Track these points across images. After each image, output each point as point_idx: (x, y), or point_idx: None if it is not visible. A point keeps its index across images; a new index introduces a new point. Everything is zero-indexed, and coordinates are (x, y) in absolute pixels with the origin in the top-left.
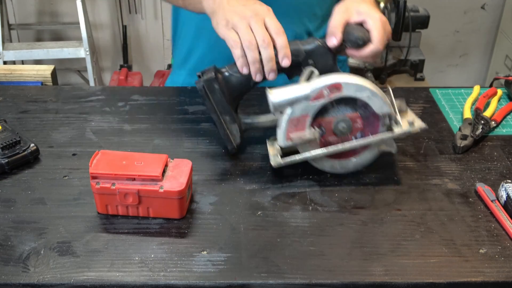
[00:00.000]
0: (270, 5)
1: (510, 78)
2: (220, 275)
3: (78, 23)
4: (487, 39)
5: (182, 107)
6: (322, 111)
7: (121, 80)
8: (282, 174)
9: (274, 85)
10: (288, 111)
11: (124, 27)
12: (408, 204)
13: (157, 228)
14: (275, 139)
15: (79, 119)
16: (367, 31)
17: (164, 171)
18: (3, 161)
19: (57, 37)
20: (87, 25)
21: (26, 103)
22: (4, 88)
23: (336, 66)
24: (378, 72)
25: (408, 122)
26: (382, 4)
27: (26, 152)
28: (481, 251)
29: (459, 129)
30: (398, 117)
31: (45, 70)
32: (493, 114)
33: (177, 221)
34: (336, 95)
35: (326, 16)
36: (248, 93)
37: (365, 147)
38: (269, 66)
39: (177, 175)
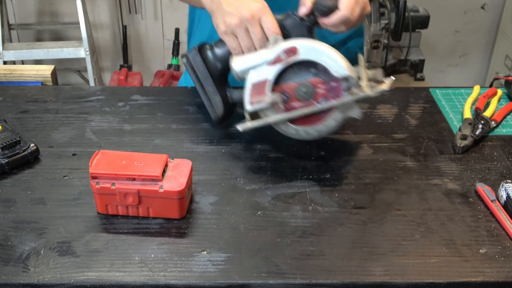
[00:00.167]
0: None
1: (510, 78)
2: (220, 275)
3: (78, 23)
4: (487, 39)
5: (182, 107)
6: (285, 77)
7: (121, 80)
8: (282, 174)
9: None
10: (249, 76)
11: (124, 27)
12: (408, 204)
13: (157, 228)
14: None
15: (79, 119)
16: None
17: (164, 171)
18: (3, 161)
19: (57, 37)
20: (87, 25)
21: (26, 103)
22: (4, 88)
23: (311, 36)
24: None
25: (370, 86)
26: None
27: (26, 152)
28: (481, 251)
29: (459, 129)
30: (361, 81)
31: (45, 70)
32: (493, 114)
33: (177, 221)
34: (293, 58)
35: None
36: None
37: (329, 113)
38: None
39: (177, 175)
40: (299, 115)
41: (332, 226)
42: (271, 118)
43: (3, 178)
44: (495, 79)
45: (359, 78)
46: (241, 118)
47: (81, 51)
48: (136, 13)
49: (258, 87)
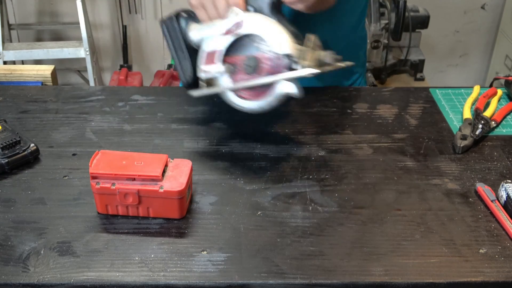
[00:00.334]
0: None
1: (510, 78)
2: (220, 275)
3: (78, 23)
4: (487, 39)
5: (182, 107)
6: (236, 49)
7: (121, 80)
8: (282, 174)
9: None
10: (203, 45)
11: (124, 27)
12: (408, 204)
13: (157, 228)
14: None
15: (79, 119)
16: None
17: (164, 171)
18: (3, 161)
19: (57, 37)
20: (87, 25)
21: (26, 103)
22: (4, 88)
23: (274, 12)
24: (378, 72)
25: (307, 65)
26: None
27: (26, 152)
28: (481, 251)
29: (459, 129)
30: (303, 60)
31: (45, 70)
32: (493, 114)
33: (177, 221)
34: (239, 31)
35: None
36: None
37: (270, 89)
38: None
39: (177, 175)
40: (241, 88)
41: (332, 226)
42: (219, 87)
43: (3, 178)
44: (495, 79)
45: (301, 57)
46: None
47: (81, 51)
48: (136, 13)
49: (210, 56)
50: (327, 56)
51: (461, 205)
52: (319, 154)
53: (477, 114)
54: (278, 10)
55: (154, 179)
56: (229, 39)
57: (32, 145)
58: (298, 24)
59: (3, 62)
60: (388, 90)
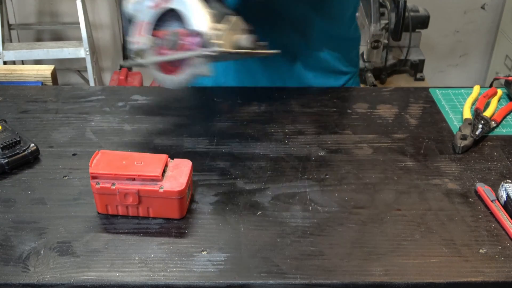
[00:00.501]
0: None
1: (510, 78)
2: (220, 275)
3: (78, 23)
4: (487, 39)
5: (182, 107)
6: (164, 23)
7: (121, 80)
8: (282, 174)
9: None
10: (135, 17)
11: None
12: (408, 204)
13: (157, 228)
14: None
15: (79, 119)
16: None
17: (164, 171)
18: (3, 161)
19: (57, 37)
20: (87, 25)
21: (26, 103)
22: (4, 88)
23: None
24: (378, 72)
25: (219, 45)
26: None
27: (26, 152)
28: (481, 251)
29: (459, 129)
30: (216, 39)
31: (45, 70)
32: (493, 114)
33: (177, 221)
34: (166, 5)
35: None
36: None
37: (184, 66)
38: None
39: (177, 175)
40: (160, 61)
41: (332, 226)
42: (143, 60)
43: (3, 178)
44: (495, 79)
45: (215, 36)
46: None
47: (81, 51)
48: None
49: (139, 28)
50: (245, 39)
51: (461, 205)
52: (319, 154)
53: (477, 114)
54: None
55: (154, 179)
56: (157, 12)
57: (32, 145)
58: (288, 20)
59: (3, 62)
60: (388, 90)
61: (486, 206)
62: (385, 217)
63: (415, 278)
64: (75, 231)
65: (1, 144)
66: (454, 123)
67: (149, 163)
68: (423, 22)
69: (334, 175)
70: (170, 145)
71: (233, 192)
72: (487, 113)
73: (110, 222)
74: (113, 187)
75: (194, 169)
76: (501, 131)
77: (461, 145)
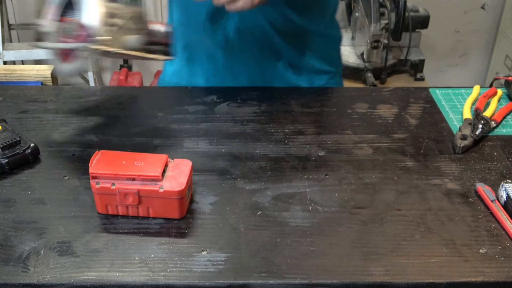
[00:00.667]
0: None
1: (510, 78)
2: (220, 275)
3: None
4: (487, 39)
5: (182, 107)
6: (72, 11)
7: (121, 80)
8: (282, 174)
9: None
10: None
11: None
12: (408, 204)
13: (157, 228)
14: None
15: (79, 119)
16: None
17: (164, 171)
18: (3, 161)
19: None
20: None
21: (26, 103)
22: (4, 88)
23: None
24: (378, 72)
25: (100, 41)
26: None
27: (26, 152)
28: (481, 251)
29: (459, 129)
30: (99, 35)
31: (45, 70)
32: (493, 114)
33: (177, 221)
34: None
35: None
36: None
37: (72, 57)
38: None
39: (177, 175)
40: (52, 48)
41: (332, 226)
42: (42, 43)
43: (3, 178)
44: (495, 79)
45: (100, 32)
46: None
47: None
48: None
49: (48, 10)
50: (135, 40)
51: (461, 205)
52: (319, 154)
53: (477, 114)
54: None
55: (154, 179)
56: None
57: (32, 145)
58: (268, 21)
59: (3, 62)
60: (388, 90)
61: (486, 206)
62: (385, 217)
63: (415, 278)
64: (75, 231)
65: (1, 144)
66: (454, 123)
67: (149, 163)
68: (423, 22)
69: (334, 175)
70: (170, 145)
71: (233, 192)
72: (487, 113)
73: (110, 222)
74: (113, 187)
75: (194, 169)
76: (501, 131)
77: (461, 145)
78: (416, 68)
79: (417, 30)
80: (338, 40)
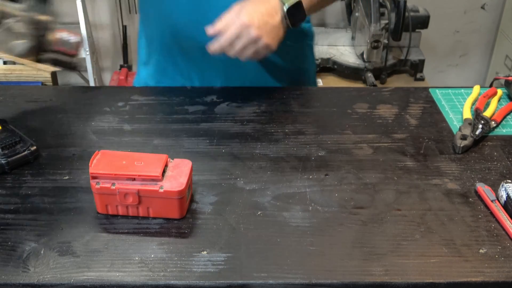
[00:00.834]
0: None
1: (510, 78)
2: (220, 275)
3: (78, 23)
4: (487, 39)
5: (182, 107)
6: None
7: (121, 80)
8: (282, 174)
9: None
10: None
11: (124, 27)
12: (408, 204)
13: (157, 228)
14: None
15: (79, 119)
16: None
17: (164, 171)
18: (3, 161)
19: None
20: (87, 25)
21: (26, 103)
22: (4, 88)
23: None
24: (378, 72)
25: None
26: (286, 6)
27: (26, 152)
28: (481, 251)
29: (459, 129)
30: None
31: (45, 70)
32: (493, 114)
33: (177, 221)
34: None
35: None
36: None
37: None
38: None
39: (177, 175)
40: None
41: (332, 226)
42: None
43: (3, 178)
44: (495, 79)
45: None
46: None
47: (81, 51)
48: (136, 13)
49: None
50: (21, 45)
51: (461, 205)
52: (319, 154)
53: (477, 114)
54: None
55: (154, 179)
56: None
57: (32, 145)
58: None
59: (3, 62)
60: (388, 90)
61: (486, 206)
62: (385, 217)
63: (415, 278)
64: (75, 231)
65: (1, 144)
66: (454, 123)
67: (149, 163)
68: (423, 22)
69: (334, 175)
70: (170, 145)
71: (233, 192)
72: (487, 113)
73: (110, 222)
74: (113, 187)
75: (194, 169)
76: (501, 131)
77: (461, 145)
78: (416, 68)
79: (417, 30)
80: (311, 38)
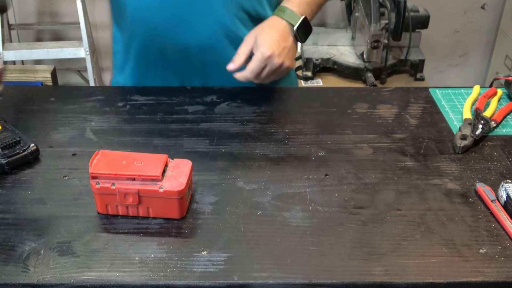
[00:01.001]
0: None
1: (510, 78)
2: (220, 275)
3: (78, 23)
4: (487, 39)
5: (182, 107)
6: None
7: None
8: (282, 174)
9: None
10: None
11: None
12: (408, 204)
13: (157, 228)
14: None
15: (79, 119)
16: None
17: (164, 171)
18: (3, 161)
19: (57, 37)
20: (87, 25)
21: (26, 103)
22: (4, 88)
23: None
24: (378, 72)
25: None
26: (296, 27)
27: (26, 152)
28: (481, 251)
29: (459, 129)
30: None
31: (45, 70)
32: (493, 114)
33: (177, 221)
34: None
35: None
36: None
37: None
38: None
39: (177, 175)
40: None
41: (332, 226)
42: None
43: (3, 178)
44: (495, 79)
45: None
46: None
47: (81, 51)
48: None
49: None
50: None
51: (461, 205)
52: (319, 154)
53: (477, 114)
54: None
55: (154, 179)
56: None
57: (32, 145)
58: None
59: (3, 62)
60: (388, 90)
61: (486, 206)
62: (385, 217)
63: (415, 278)
64: (75, 231)
65: (1, 144)
66: (454, 123)
67: (149, 163)
68: (423, 22)
69: (334, 175)
70: (170, 145)
71: (233, 192)
72: (487, 113)
73: (110, 222)
74: (113, 187)
75: (194, 169)
76: (501, 131)
77: (461, 145)
78: (416, 68)
79: (417, 30)
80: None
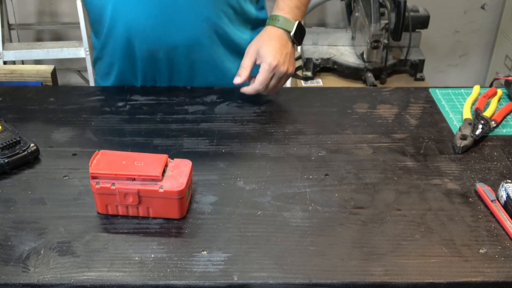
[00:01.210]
0: None
1: (510, 78)
2: (220, 275)
3: (78, 23)
4: (487, 39)
5: (182, 107)
6: None
7: None
8: (282, 174)
9: None
10: None
11: None
12: (408, 204)
13: (157, 228)
14: None
15: (79, 119)
16: None
17: (164, 171)
18: (3, 161)
19: (57, 37)
20: (87, 25)
21: (26, 103)
22: (4, 88)
23: None
24: (378, 72)
25: None
26: (292, 32)
27: (26, 152)
28: (481, 251)
29: (459, 129)
30: None
31: (45, 70)
32: (493, 114)
33: (177, 221)
34: None
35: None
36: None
37: None
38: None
39: (177, 175)
40: None
41: (332, 226)
42: None
43: (3, 178)
44: (495, 79)
45: None
46: None
47: (81, 51)
48: None
49: None
50: None
51: (461, 205)
52: (319, 154)
53: (477, 114)
54: None
55: (154, 179)
56: None
57: (32, 145)
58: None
59: (3, 62)
60: (388, 90)
61: (486, 206)
62: (385, 217)
63: (415, 278)
64: (75, 231)
65: (1, 144)
66: (454, 123)
67: (149, 163)
68: (423, 22)
69: (334, 175)
70: (170, 145)
71: (233, 192)
72: (487, 113)
73: (110, 222)
74: (113, 187)
75: (194, 169)
76: (501, 131)
77: (461, 145)
78: (416, 68)
79: (417, 30)
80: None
